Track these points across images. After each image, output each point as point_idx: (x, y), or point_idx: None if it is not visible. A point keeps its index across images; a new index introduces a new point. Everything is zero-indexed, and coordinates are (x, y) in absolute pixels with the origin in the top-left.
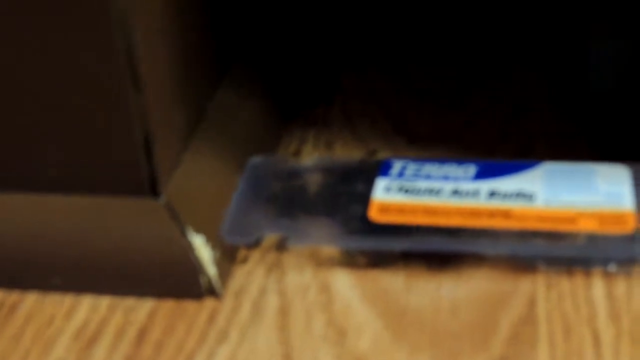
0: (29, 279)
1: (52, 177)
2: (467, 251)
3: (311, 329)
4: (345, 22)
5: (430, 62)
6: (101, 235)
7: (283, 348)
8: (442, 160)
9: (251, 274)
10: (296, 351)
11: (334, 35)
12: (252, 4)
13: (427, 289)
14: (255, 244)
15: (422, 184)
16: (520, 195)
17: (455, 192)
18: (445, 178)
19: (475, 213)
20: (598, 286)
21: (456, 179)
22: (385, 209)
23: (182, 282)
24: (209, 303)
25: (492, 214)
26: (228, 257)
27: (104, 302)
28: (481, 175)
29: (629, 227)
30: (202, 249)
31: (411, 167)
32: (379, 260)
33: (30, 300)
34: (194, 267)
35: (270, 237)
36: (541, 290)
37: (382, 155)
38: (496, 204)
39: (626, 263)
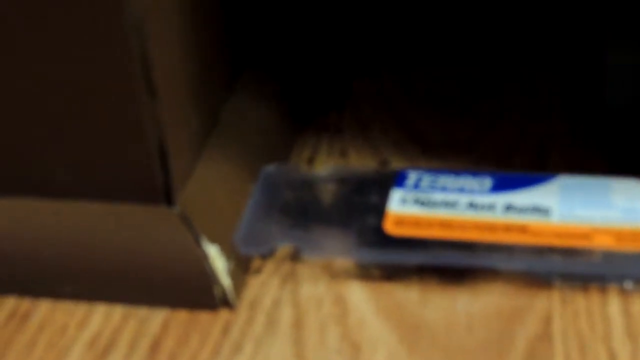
0: (41, 287)
1: (66, 183)
2: (482, 266)
3: (326, 342)
4: (358, 27)
5: (443, 69)
6: (114, 243)
7: None
8: (457, 171)
9: (265, 285)
10: None
11: (346, 41)
12: (264, 10)
13: (442, 304)
14: (269, 255)
15: (438, 196)
16: (536, 209)
17: (471, 205)
18: (461, 190)
19: (491, 227)
20: (614, 303)
21: (472, 191)
22: (400, 221)
23: (196, 293)
24: (223, 314)
25: (508, 228)
26: (242, 267)
27: (118, 311)
28: (497, 188)
29: None
30: (217, 259)
31: (427, 179)
32: (393, 273)
33: (42, 308)
34: (208, 277)
35: (284, 248)
36: (556, 306)
37: (395, 164)
38: (512, 218)
39: None
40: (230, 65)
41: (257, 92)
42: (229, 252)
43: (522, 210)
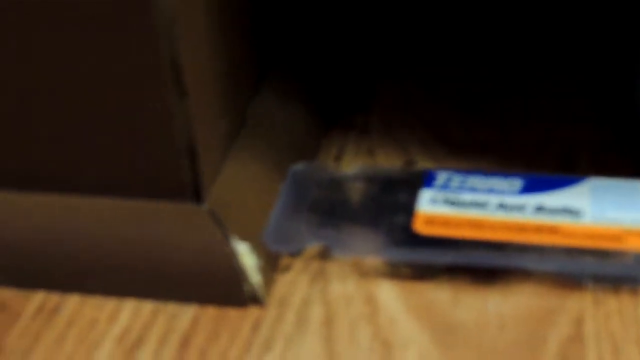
0: (69, 281)
1: (96, 180)
2: (513, 266)
3: (357, 340)
4: (383, 27)
5: (469, 69)
6: (144, 239)
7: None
8: (487, 172)
9: (294, 283)
10: None
11: (372, 40)
12: (290, 10)
13: (473, 304)
14: (298, 253)
15: (468, 197)
16: (567, 211)
17: (501, 206)
18: (491, 191)
19: (521, 228)
20: None
21: (502, 192)
22: (430, 221)
23: (225, 290)
24: (252, 311)
25: (538, 229)
26: (270, 265)
27: (147, 306)
28: (527, 189)
29: None
30: (246, 256)
31: (456, 179)
32: (423, 273)
33: (71, 303)
34: (237, 274)
35: (313, 246)
36: (588, 308)
37: (421, 164)
38: (543, 219)
39: None
40: (257, 65)
41: (284, 92)
42: (258, 249)
43: (553, 211)
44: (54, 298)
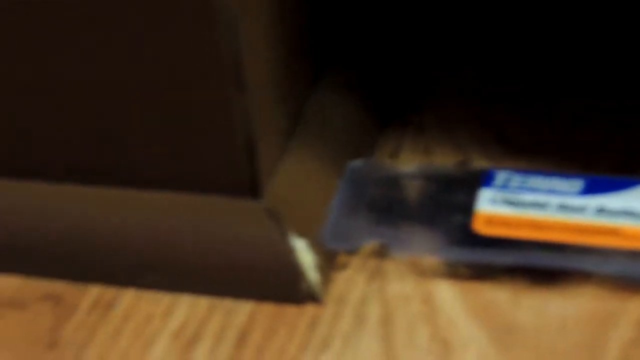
0: (125, 276)
1: (154, 174)
2: (574, 268)
3: (415, 340)
4: (440, 24)
5: (527, 67)
6: (200, 234)
7: (387, 359)
8: (547, 173)
9: (352, 281)
10: None
11: (429, 38)
12: (347, 6)
13: (533, 305)
14: (355, 251)
15: (528, 197)
16: (629, 213)
17: (562, 207)
18: (551, 192)
19: (582, 229)
20: None
21: (562, 193)
22: (490, 221)
23: (282, 287)
24: (309, 309)
25: (599, 231)
26: (328, 262)
27: (203, 302)
28: (588, 190)
29: None
30: (304, 253)
31: (516, 179)
32: (482, 273)
33: (127, 297)
34: (294, 271)
35: (370, 244)
36: None
37: (477, 162)
38: (604, 221)
39: None
40: (314, 61)
41: (340, 88)
42: (316, 247)
43: (614, 213)
44: (109, 292)
